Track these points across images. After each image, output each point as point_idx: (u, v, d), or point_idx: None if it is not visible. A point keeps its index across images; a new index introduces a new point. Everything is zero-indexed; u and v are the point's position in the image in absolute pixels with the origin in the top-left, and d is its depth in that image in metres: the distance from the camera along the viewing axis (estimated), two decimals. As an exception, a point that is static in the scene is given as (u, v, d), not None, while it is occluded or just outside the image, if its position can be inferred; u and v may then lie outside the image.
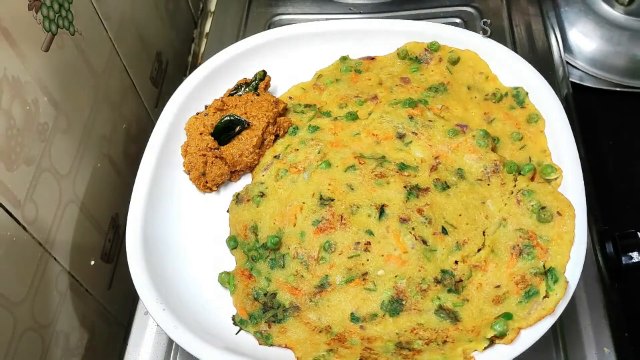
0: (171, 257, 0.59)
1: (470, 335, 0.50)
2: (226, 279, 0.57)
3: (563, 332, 0.59)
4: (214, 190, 0.64)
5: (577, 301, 0.60)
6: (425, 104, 0.65)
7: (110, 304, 0.70)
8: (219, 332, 0.54)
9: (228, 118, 0.65)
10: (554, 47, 0.82)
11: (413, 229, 0.55)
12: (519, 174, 0.58)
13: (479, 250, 0.54)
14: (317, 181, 0.59)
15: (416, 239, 0.54)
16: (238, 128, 0.64)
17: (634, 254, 0.64)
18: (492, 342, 0.49)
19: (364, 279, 0.54)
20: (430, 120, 0.62)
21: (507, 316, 0.49)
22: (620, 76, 0.88)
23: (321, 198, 0.58)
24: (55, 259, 0.59)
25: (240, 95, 0.68)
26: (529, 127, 0.62)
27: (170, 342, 0.61)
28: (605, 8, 0.89)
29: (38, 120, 0.56)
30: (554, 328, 0.58)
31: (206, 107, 0.68)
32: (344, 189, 0.58)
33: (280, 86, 0.71)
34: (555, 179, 0.58)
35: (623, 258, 0.64)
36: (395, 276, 0.53)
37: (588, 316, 0.60)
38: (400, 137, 0.61)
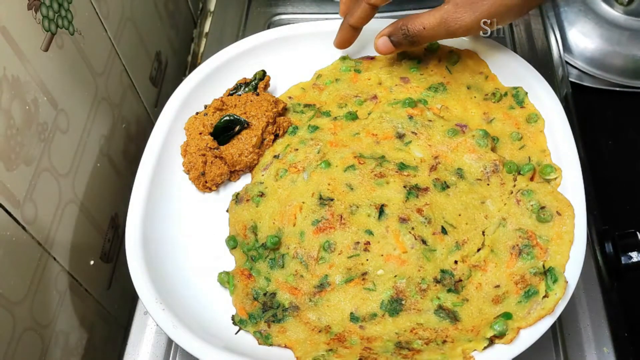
0: (170, 256, 0.59)
1: (470, 335, 0.50)
2: (225, 279, 0.57)
3: (562, 332, 0.59)
4: (214, 190, 0.64)
5: (577, 301, 0.61)
6: (425, 104, 0.65)
7: (110, 303, 0.70)
8: (219, 332, 0.54)
9: (227, 118, 0.65)
10: (554, 46, 0.82)
11: (412, 228, 0.55)
12: (519, 173, 0.58)
13: (479, 250, 0.54)
14: (316, 181, 0.59)
15: (416, 239, 0.54)
16: (237, 128, 0.64)
17: (634, 254, 0.64)
18: (491, 341, 0.49)
19: (363, 279, 0.54)
20: (430, 120, 0.62)
21: (507, 316, 0.49)
22: (619, 76, 0.88)
23: (321, 198, 0.58)
24: (54, 259, 0.59)
25: (240, 95, 0.68)
26: (529, 126, 0.62)
27: (170, 341, 0.62)
28: (605, 8, 0.89)
29: (37, 120, 0.56)
30: (553, 328, 0.58)
31: (205, 106, 0.68)
32: (344, 188, 0.58)
33: (279, 86, 0.71)
34: (555, 178, 0.58)
35: (622, 258, 0.64)
36: (395, 276, 0.54)
37: (587, 316, 0.60)
38: (400, 137, 0.61)
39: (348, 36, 0.68)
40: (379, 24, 0.71)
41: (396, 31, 0.63)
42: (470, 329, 0.51)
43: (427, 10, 0.60)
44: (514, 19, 0.62)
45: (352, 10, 0.65)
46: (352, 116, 0.65)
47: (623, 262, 0.64)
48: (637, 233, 0.65)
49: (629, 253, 0.64)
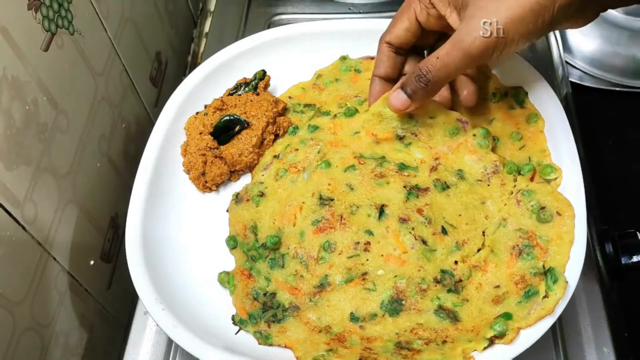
0: (171, 256, 0.59)
1: (470, 335, 0.50)
2: (226, 279, 0.57)
3: (562, 332, 0.59)
4: (214, 190, 0.64)
5: (577, 301, 0.61)
6: (425, 104, 0.64)
7: (110, 303, 0.70)
8: (219, 332, 0.54)
9: (227, 118, 0.65)
10: (554, 47, 0.82)
11: (413, 229, 0.55)
12: (519, 174, 0.58)
13: (479, 250, 0.54)
14: (316, 181, 0.59)
15: (416, 239, 0.54)
16: (237, 128, 0.64)
17: (634, 254, 0.64)
18: (491, 342, 0.49)
19: (363, 279, 0.54)
20: (432, 117, 0.61)
21: (507, 316, 0.49)
22: (619, 76, 0.88)
23: (321, 198, 0.58)
24: (54, 259, 0.59)
25: (240, 95, 0.68)
26: (529, 127, 0.62)
27: (170, 341, 0.62)
28: (605, 8, 0.88)
29: (37, 120, 0.56)
30: (553, 328, 0.58)
31: (206, 106, 0.68)
32: (344, 188, 0.58)
33: (279, 86, 0.71)
34: (555, 179, 0.57)
35: (622, 258, 0.64)
36: (395, 276, 0.53)
37: (587, 316, 0.60)
38: (400, 138, 0.61)
39: (378, 89, 0.60)
40: (379, 24, 0.71)
41: (408, 79, 0.54)
42: (470, 329, 0.51)
43: None
44: (533, 35, 0.49)
45: (376, 61, 0.60)
46: (352, 112, 0.64)
47: (623, 262, 0.64)
48: (637, 233, 0.65)
49: (629, 253, 0.64)
